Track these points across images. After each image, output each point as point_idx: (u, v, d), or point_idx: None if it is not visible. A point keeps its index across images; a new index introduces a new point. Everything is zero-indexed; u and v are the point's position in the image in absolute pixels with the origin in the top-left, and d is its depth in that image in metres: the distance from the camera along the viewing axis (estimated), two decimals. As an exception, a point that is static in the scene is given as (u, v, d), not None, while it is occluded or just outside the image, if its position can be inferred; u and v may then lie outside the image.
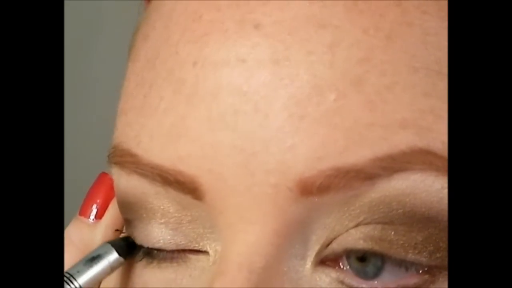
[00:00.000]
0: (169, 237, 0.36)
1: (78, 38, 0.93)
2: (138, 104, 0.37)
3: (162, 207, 0.36)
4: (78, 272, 0.38)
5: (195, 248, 0.36)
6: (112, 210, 0.43)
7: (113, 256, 0.38)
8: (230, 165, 0.34)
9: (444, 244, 0.33)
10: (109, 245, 0.38)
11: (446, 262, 0.33)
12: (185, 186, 0.35)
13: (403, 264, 0.34)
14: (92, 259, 0.38)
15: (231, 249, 0.34)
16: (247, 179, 0.34)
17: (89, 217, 0.43)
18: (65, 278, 0.37)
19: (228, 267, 0.34)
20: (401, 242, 0.33)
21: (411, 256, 0.33)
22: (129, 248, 0.38)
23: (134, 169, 0.36)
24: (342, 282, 0.34)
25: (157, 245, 0.37)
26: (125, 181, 0.37)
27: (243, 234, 0.34)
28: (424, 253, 0.33)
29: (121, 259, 0.38)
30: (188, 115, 0.35)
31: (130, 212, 0.38)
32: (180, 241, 0.36)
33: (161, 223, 0.37)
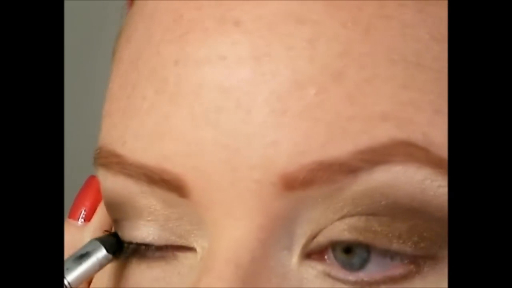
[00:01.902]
0: (157, 232, 0.37)
1: (78, 38, 0.93)
2: (122, 106, 0.37)
3: (148, 205, 0.36)
4: (67, 269, 0.38)
5: (184, 245, 0.36)
6: (101, 212, 0.43)
7: (102, 253, 0.38)
8: (214, 162, 0.34)
9: (428, 234, 0.34)
10: (98, 242, 0.39)
11: (431, 252, 0.34)
12: (170, 184, 0.35)
13: (388, 254, 0.34)
14: (81, 256, 0.38)
15: (217, 245, 0.34)
16: (231, 175, 0.34)
17: (78, 220, 0.43)
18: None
19: (215, 262, 0.34)
20: (385, 232, 0.33)
21: (395, 246, 0.33)
22: (117, 245, 0.38)
23: (119, 170, 0.37)
24: (328, 275, 0.34)
25: (146, 241, 0.37)
26: (111, 183, 0.37)
27: (229, 230, 0.34)
28: (409, 243, 0.33)
29: (110, 256, 0.38)
30: (171, 113, 0.35)
31: (117, 212, 0.38)
32: (169, 237, 0.36)
33: (149, 221, 0.37)
